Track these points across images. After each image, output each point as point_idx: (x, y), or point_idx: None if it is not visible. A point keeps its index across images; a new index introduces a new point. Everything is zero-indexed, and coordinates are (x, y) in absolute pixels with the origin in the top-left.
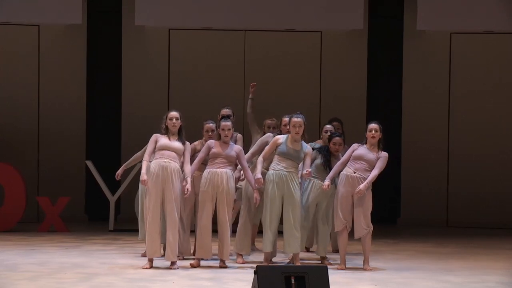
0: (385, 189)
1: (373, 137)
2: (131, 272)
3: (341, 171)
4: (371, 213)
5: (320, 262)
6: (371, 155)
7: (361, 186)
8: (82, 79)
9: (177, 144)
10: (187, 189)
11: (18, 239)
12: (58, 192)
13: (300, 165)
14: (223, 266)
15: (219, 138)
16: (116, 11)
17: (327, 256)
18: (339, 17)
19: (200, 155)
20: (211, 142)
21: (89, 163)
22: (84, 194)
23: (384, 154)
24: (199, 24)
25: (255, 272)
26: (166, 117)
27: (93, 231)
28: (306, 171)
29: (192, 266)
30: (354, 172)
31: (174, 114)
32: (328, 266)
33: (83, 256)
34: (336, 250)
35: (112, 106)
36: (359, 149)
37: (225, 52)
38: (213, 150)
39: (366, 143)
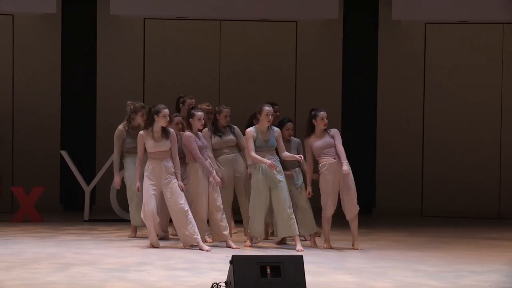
0: (360, 179)
1: (325, 124)
2: (106, 262)
3: (312, 168)
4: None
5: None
6: (328, 139)
7: (345, 167)
8: (57, 69)
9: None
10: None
11: None
12: (33, 182)
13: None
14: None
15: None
16: (91, 0)
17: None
18: (314, 7)
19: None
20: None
21: (64, 153)
22: (59, 184)
23: (335, 130)
24: (174, 13)
25: (230, 262)
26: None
27: (68, 221)
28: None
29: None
30: (334, 158)
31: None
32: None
33: (58, 246)
34: None
35: (87, 96)
36: (315, 142)
37: (200, 41)
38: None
39: (312, 133)
